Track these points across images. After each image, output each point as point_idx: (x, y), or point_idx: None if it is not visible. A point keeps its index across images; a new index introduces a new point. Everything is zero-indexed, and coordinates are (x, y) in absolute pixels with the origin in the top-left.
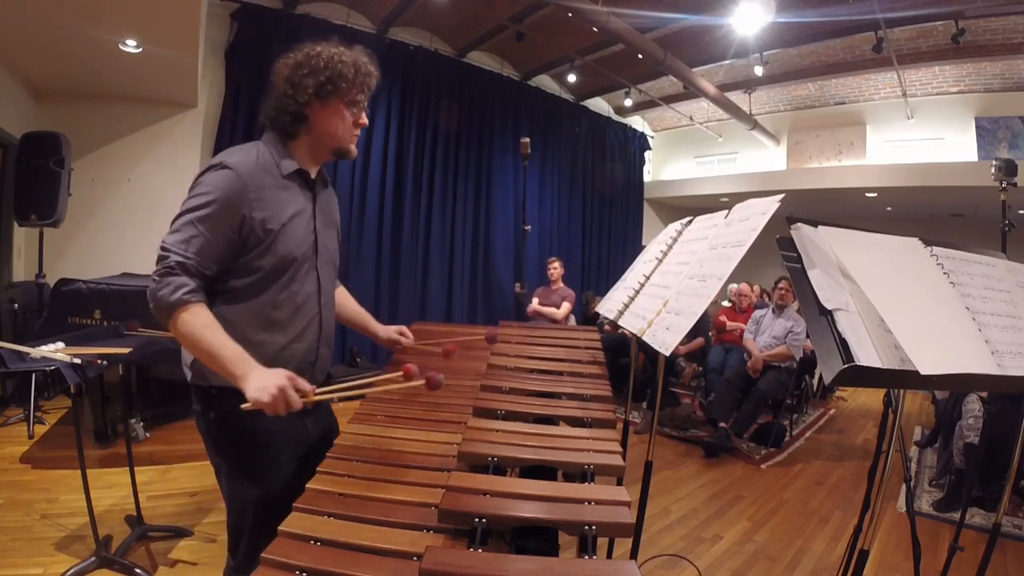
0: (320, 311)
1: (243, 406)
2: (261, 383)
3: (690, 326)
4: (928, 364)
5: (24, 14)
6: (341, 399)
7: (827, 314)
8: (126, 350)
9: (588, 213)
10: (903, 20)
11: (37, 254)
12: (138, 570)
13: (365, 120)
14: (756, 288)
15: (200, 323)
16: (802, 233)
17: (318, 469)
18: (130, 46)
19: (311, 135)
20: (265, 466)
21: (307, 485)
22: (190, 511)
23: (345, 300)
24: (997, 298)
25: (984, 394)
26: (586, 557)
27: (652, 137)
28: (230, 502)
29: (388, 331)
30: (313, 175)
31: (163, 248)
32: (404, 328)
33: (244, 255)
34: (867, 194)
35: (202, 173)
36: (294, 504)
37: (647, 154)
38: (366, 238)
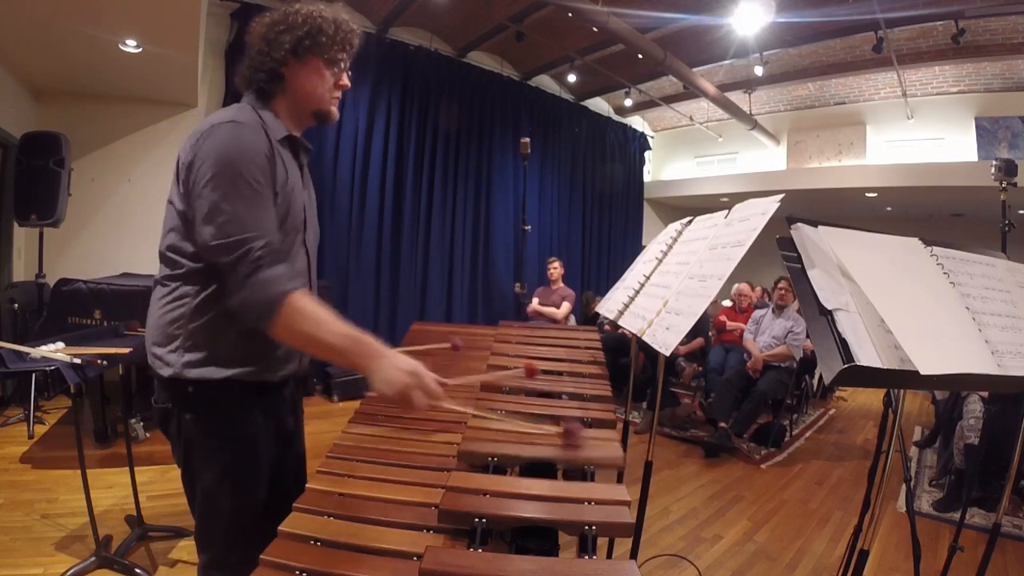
0: (311, 289)
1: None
2: (387, 374)
3: (690, 326)
4: (928, 364)
5: (24, 14)
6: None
7: (827, 314)
8: (126, 350)
9: (588, 213)
10: (903, 20)
11: (37, 254)
12: (138, 570)
13: (347, 81)
14: (756, 288)
15: (313, 310)
16: (802, 233)
17: (318, 469)
18: (130, 46)
19: (288, 96)
20: (246, 472)
21: (307, 485)
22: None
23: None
24: (997, 298)
25: (985, 394)
26: (586, 557)
27: (652, 137)
28: (201, 511)
29: None
30: (298, 141)
31: (227, 239)
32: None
33: None
34: (867, 194)
35: (206, 138)
36: (294, 504)
37: (647, 154)
38: (366, 238)
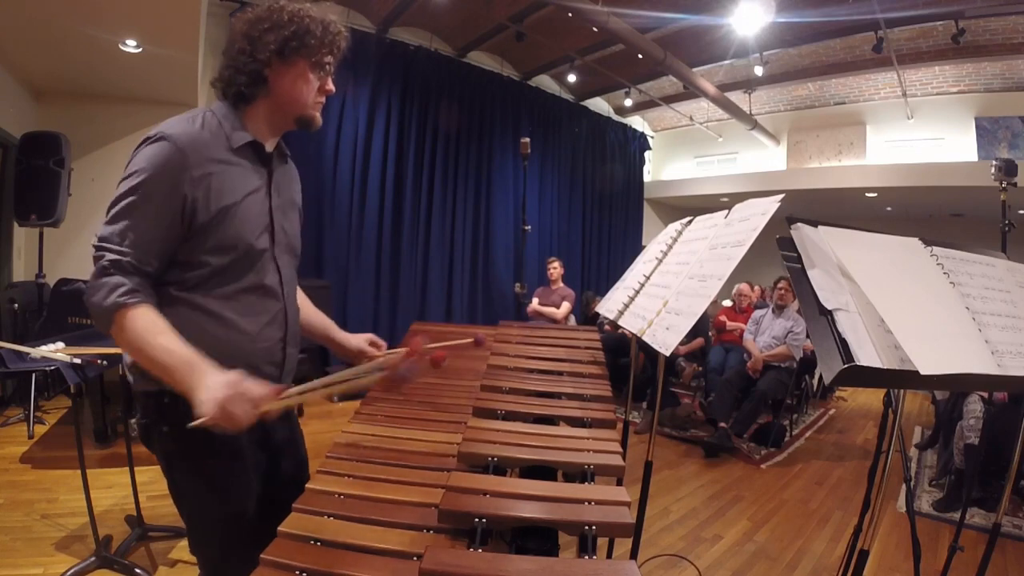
0: (284, 305)
1: (189, 425)
2: (205, 394)
3: (690, 326)
4: (928, 364)
5: (24, 14)
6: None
7: (827, 314)
8: None
9: (588, 213)
10: (903, 20)
11: (37, 254)
12: (138, 570)
13: (331, 86)
14: (756, 288)
15: (140, 327)
16: (802, 233)
17: (318, 469)
18: (130, 46)
19: (270, 100)
20: (231, 481)
21: (307, 485)
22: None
23: (304, 304)
24: (997, 298)
25: (985, 394)
26: (586, 557)
27: (652, 137)
28: (191, 522)
29: (357, 340)
30: (269, 148)
31: (96, 244)
32: (374, 337)
33: (188, 243)
34: (867, 194)
35: (137, 147)
36: (294, 505)
37: (647, 154)
38: (366, 238)
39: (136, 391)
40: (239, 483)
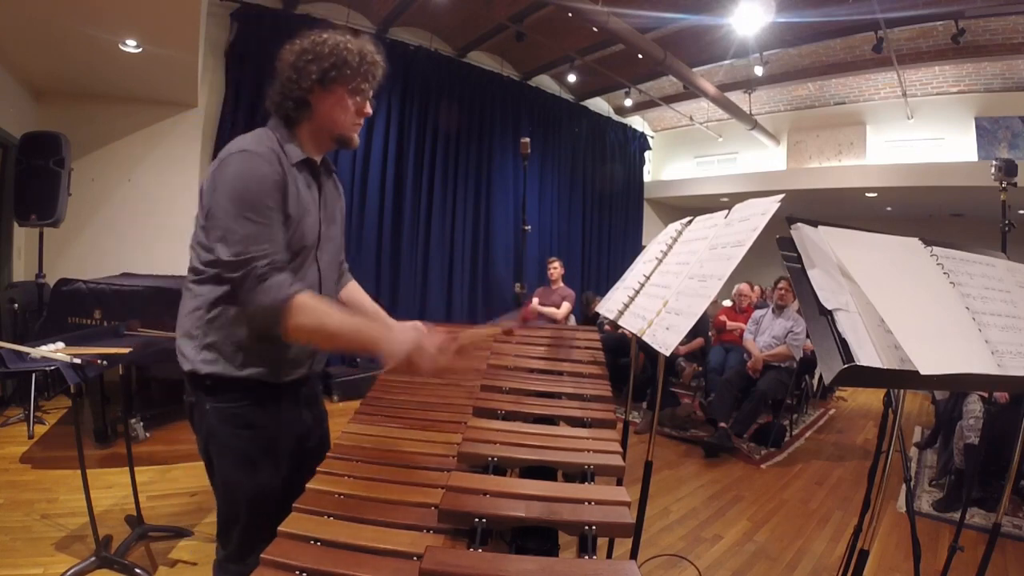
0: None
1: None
2: (391, 347)
3: (690, 326)
4: (928, 364)
5: (24, 14)
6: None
7: (827, 314)
8: (126, 350)
9: (588, 213)
10: (903, 20)
11: (37, 254)
12: (138, 570)
13: (369, 110)
14: (756, 288)
15: (314, 307)
16: (802, 233)
17: (318, 469)
18: (130, 46)
19: (313, 122)
20: (262, 461)
21: (307, 485)
22: (190, 511)
23: (360, 298)
24: (997, 298)
25: (985, 394)
26: (586, 557)
27: (652, 137)
28: (222, 494)
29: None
30: (318, 163)
31: (236, 258)
32: (419, 324)
33: None
34: (867, 194)
35: (224, 164)
36: (294, 504)
37: (647, 154)
38: (366, 238)
39: (183, 371)
40: (268, 460)
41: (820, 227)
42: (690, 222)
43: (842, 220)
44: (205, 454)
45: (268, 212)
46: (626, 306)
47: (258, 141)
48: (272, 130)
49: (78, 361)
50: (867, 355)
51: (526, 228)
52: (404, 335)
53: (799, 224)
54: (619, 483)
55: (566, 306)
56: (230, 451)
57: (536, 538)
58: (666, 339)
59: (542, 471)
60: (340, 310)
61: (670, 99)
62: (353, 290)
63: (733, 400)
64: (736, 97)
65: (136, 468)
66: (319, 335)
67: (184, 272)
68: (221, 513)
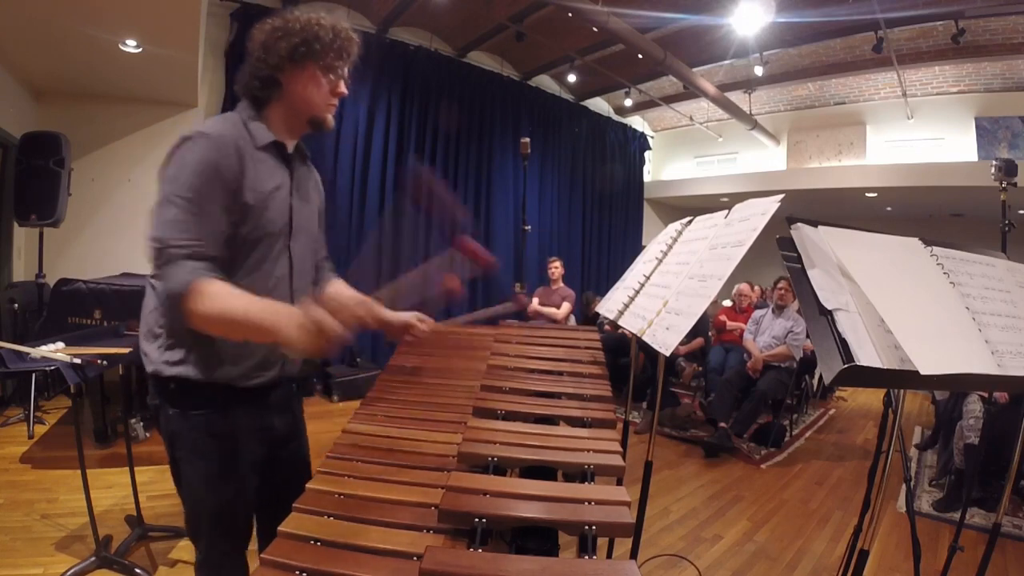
0: (292, 297)
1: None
2: (291, 331)
3: (690, 326)
4: (928, 364)
5: (24, 14)
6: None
7: (827, 314)
8: (126, 350)
9: (588, 213)
10: (903, 20)
11: (37, 254)
12: (138, 570)
13: (344, 89)
14: (756, 288)
15: (215, 292)
16: (802, 233)
17: (318, 469)
18: (130, 46)
19: (284, 102)
20: (225, 467)
21: (307, 485)
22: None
23: (343, 292)
24: (997, 298)
25: (985, 394)
26: (586, 557)
27: (652, 137)
28: (186, 502)
29: (406, 316)
30: (290, 148)
31: (155, 241)
32: (420, 314)
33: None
34: (867, 194)
35: (177, 147)
36: (294, 504)
37: (647, 154)
38: (366, 238)
39: (150, 374)
40: (232, 469)
41: (820, 227)
42: (690, 222)
43: (842, 220)
44: (170, 459)
45: (201, 202)
46: (626, 306)
47: (221, 124)
48: (240, 113)
49: (78, 361)
50: (867, 355)
51: (526, 228)
52: (291, 318)
53: (799, 224)
54: (619, 483)
55: (566, 306)
56: (192, 459)
57: (536, 538)
58: (666, 339)
59: (542, 471)
60: (249, 297)
61: (670, 99)
62: (341, 289)
63: (733, 400)
64: (736, 97)
65: (136, 468)
66: (223, 323)
67: None
68: (186, 520)
